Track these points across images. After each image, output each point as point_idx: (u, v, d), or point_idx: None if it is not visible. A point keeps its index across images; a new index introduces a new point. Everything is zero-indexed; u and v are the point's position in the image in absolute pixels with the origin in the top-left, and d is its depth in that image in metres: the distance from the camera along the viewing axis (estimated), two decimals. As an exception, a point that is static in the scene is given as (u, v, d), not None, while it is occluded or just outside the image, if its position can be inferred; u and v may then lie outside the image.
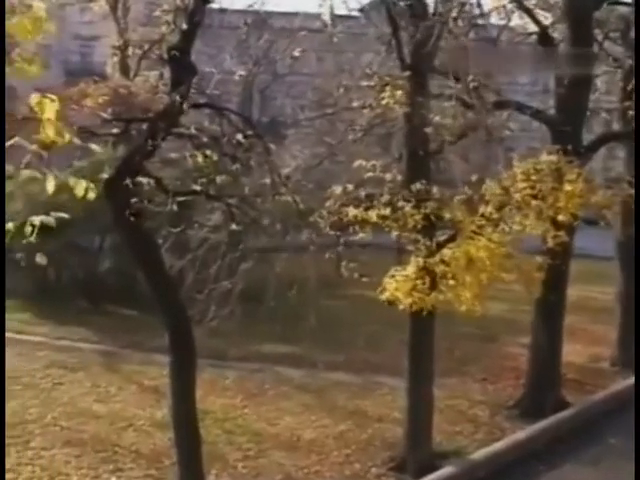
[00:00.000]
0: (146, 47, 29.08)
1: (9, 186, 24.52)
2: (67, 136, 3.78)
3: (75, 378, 16.70)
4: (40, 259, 4.35)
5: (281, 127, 28.39)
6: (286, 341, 19.02)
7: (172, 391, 10.35)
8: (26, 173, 3.77)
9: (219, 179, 8.72)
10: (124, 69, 32.58)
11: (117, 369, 17.58)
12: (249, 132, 8.98)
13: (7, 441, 12.85)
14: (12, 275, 23.02)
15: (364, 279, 10.83)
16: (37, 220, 3.85)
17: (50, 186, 3.67)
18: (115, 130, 9.36)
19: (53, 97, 3.52)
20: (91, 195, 3.79)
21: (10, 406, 14.52)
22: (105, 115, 9.32)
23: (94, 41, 44.65)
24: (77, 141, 3.67)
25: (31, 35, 3.59)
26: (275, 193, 9.28)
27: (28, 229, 3.92)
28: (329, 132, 14.97)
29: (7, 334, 20.18)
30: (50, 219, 3.85)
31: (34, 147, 3.65)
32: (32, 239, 3.86)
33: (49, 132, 3.67)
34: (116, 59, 33.60)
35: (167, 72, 11.01)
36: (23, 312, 21.96)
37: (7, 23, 3.48)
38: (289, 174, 10.62)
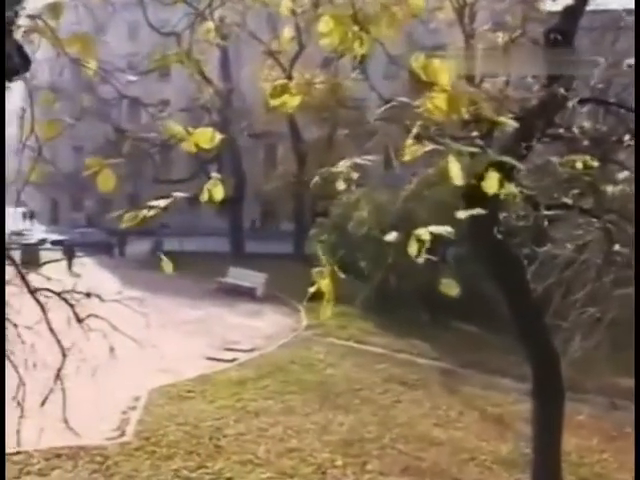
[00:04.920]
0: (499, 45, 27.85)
1: (355, 194, 24.82)
2: (463, 110, 2.82)
3: (414, 397, 15.85)
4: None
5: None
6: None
7: (535, 435, 8.84)
8: (412, 148, 2.85)
9: (609, 190, 7.10)
10: (469, 76, 31.74)
11: (457, 391, 16.46)
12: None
13: (344, 460, 12.31)
14: (355, 283, 23.19)
15: None
16: (426, 233, 2.86)
17: (456, 171, 2.71)
18: (475, 133, 8.09)
19: (447, 54, 2.44)
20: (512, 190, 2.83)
21: (348, 421, 14.08)
22: (467, 116, 8.08)
23: (440, 50, 44.49)
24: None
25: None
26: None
27: (414, 247, 2.89)
28: None
29: (348, 343, 20.22)
30: (446, 228, 2.87)
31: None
32: (420, 257, 2.92)
33: (439, 102, 2.70)
34: (463, 65, 32.75)
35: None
36: (364, 321, 21.86)
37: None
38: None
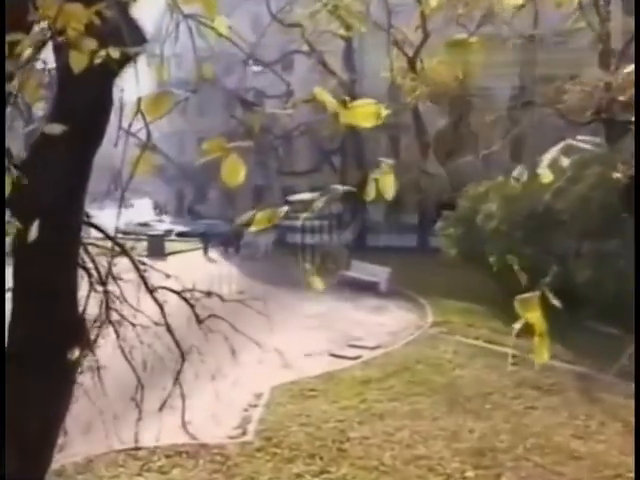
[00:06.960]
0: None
1: (483, 186, 23.74)
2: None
3: (549, 403, 14.77)
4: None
5: None
6: None
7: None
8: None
9: None
10: (605, 63, 29.93)
11: (596, 398, 15.25)
12: None
13: (475, 471, 11.50)
14: (483, 280, 22.20)
15: None
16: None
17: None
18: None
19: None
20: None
21: (479, 427, 13.24)
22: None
23: (565, 37, 42.66)
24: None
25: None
26: None
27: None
28: None
29: (477, 342, 19.28)
30: None
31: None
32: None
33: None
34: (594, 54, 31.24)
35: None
36: (493, 320, 20.80)
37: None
38: None
